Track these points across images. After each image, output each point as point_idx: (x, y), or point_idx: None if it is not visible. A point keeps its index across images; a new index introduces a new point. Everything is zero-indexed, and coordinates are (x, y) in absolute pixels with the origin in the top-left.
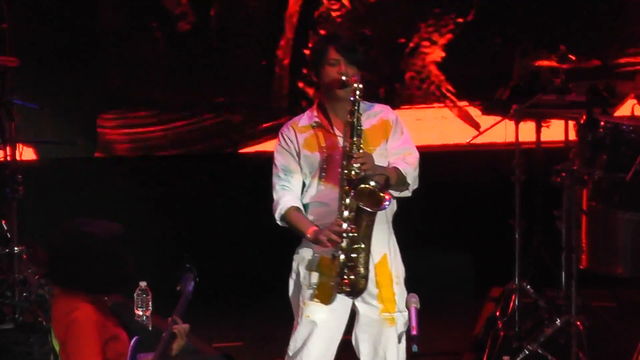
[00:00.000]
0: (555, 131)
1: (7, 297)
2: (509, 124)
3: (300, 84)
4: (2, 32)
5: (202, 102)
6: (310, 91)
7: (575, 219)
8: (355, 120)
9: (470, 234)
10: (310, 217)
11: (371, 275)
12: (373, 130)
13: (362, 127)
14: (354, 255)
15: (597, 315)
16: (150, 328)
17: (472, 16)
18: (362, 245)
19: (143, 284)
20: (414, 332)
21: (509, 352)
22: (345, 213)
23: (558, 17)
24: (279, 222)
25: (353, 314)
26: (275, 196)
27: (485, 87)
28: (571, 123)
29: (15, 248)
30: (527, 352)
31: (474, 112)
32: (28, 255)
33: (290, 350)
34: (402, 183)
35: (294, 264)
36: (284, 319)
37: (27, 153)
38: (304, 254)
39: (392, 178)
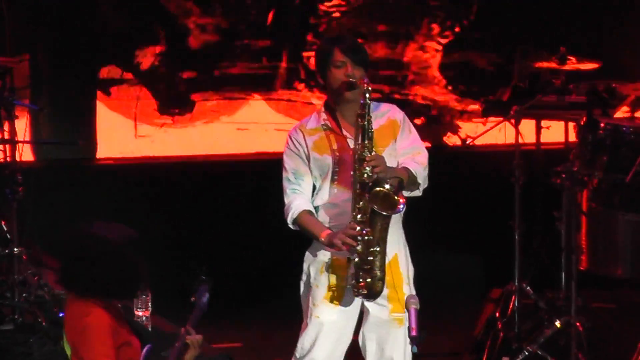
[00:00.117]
0: (555, 132)
1: (7, 298)
2: (509, 125)
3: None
4: (2, 33)
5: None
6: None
7: (575, 220)
8: (366, 123)
9: (470, 235)
10: (322, 220)
11: None
12: (381, 130)
13: (373, 130)
14: (370, 258)
15: (597, 316)
16: (149, 329)
17: (473, 17)
18: (378, 248)
19: None
20: (413, 333)
21: (509, 353)
22: (359, 216)
23: (558, 18)
24: (291, 226)
25: (361, 314)
26: (286, 200)
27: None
28: (571, 124)
29: (15, 249)
30: (526, 353)
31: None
32: (28, 256)
33: (298, 351)
34: (412, 183)
35: (305, 265)
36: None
37: (25, 154)
38: (315, 255)
39: (404, 179)
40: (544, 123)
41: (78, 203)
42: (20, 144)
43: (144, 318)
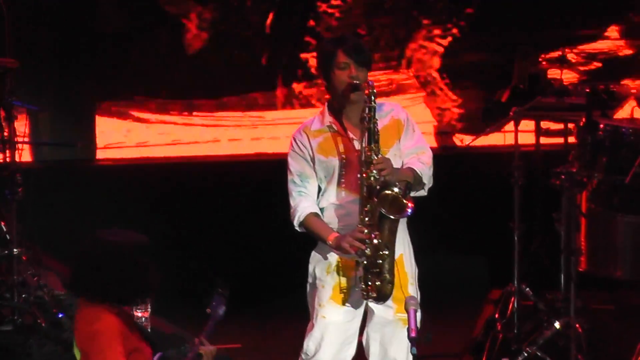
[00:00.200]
0: (555, 134)
1: (6, 298)
2: (508, 127)
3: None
4: (2, 33)
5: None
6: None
7: (575, 221)
8: (372, 126)
9: (470, 236)
10: (327, 221)
11: None
12: (385, 130)
13: (379, 133)
14: (379, 261)
15: (596, 317)
16: (149, 329)
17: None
18: (386, 252)
19: None
20: (412, 334)
21: (508, 354)
22: (367, 219)
23: (558, 19)
24: (297, 228)
25: (364, 314)
26: (292, 203)
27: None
28: (571, 125)
29: (15, 250)
30: (526, 355)
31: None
32: (27, 257)
33: (305, 352)
34: (418, 183)
35: (310, 267)
36: (284, 321)
37: (24, 155)
38: (321, 256)
39: (410, 180)
40: (543, 124)
41: (77, 204)
42: (19, 145)
43: (143, 319)
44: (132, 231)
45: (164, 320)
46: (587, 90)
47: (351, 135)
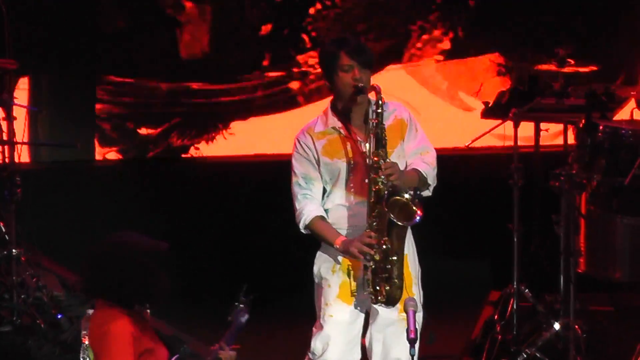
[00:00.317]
0: (554, 135)
1: (5, 299)
2: (508, 128)
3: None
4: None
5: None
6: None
7: (574, 223)
8: (379, 131)
9: (469, 238)
10: (334, 222)
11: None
12: (389, 130)
13: (387, 138)
14: (388, 266)
15: (595, 319)
16: None
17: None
18: (395, 258)
19: None
20: (412, 336)
21: (507, 356)
22: (374, 224)
23: (557, 20)
24: (302, 231)
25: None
26: (297, 206)
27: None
28: (570, 127)
29: (14, 250)
30: (525, 356)
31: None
32: (26, 257)
33: (312, 352)
34: (423, 184)
35: (315, 267)
36: (283, 322)
37: (23, 155)
38: (325, 256)
39: (415, 181)
40: (542, 126)
41: (77, 205)
42: (18, 146)
43: None
44: (149, 237)
45: (164, 321)
46: (587, 91)
47: (356, 136)
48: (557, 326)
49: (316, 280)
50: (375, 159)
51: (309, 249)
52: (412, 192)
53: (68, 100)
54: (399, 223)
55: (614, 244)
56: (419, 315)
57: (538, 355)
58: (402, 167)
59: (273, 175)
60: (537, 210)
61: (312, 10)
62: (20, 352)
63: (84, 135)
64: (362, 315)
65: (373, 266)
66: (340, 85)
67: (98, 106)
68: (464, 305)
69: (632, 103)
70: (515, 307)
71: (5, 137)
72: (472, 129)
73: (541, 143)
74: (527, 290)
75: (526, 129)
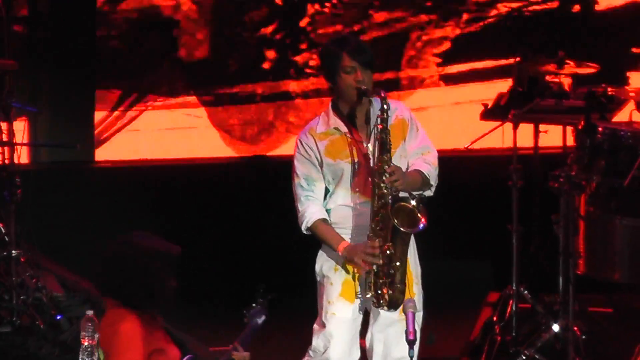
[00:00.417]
0: (553, 136)
1: (5, 300)
2: (507, 129)
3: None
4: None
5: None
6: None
7: (573, 224)
8: (384, 135)
9: (468, 239)
10: (338, 221)
11: None
12: (391, 130)
13: (391, 143)
14: (391, 271)
15: (594, 320)
16: None
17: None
18: (398, 263)
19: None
20: (410, 337)
21: (506, 357)
22: (378, 228)
23: (556, 21)
24: (304, 232)
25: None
26: (300, 207)
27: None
28: (569, 128)
29: (13, 251)
30: (524, 357)
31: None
32: (26, 258)
33: (313, 350)
34: (425, 185)
35: (317, 265)
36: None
37: (23, 156)
38: (327, 254)
39: (418, 183)
40: (542, 127)
41: (76, 206)
42: (18, 147)
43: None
44: (162, 240)
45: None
46: (586, 93)
47: (358, 137)
48: (556, 327)
49: (318, 279)
50: (379, 164)
51: (306, 250)
52: (417, 199)
53: (68, 101)
54: (402, 229)
55: (613, 245)
56: (419, 315)
57: (537, 356)
58: (403, 167)
59: (273, 176)
60: (537, 212)
61: (311, 10)
62: (19, 352)
63: (83, 136)
64: (361, 314)
65: (376, 270)
66: (343, 86)
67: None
68: (463, 306)
69: (631, 104)
70: (514, 308)
71: (5, 138)
72: (471, 130)
73: (540, 144)
74: (526, 291)
75: (525, 130)
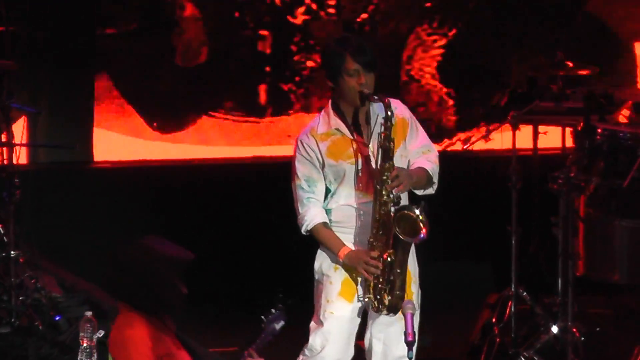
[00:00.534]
0: (553, 138)
1: (4, 300)
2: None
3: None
4: (1, 35)
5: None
6: None
7: (572, 225)
8: (388, 143)
9: (467, 240)
10: (336, 220)
11: None
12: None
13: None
14: (391, 277)
15: (594, 322)
16: None
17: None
18: (399, 271)
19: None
20: (409, 338)
21: (505, 358)
22: (380, 232)
23: (556, 23)
24: (303, 233)
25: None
26: (301, 209)
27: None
28: (568, 130)
29: (12, 252)
30: (522, 359)
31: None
32: (25, 259)
33: (309, 349)
34: (428, 182)
35: (316, 264)
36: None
37: (22, 157)
38: (327, 253)
39: (423, 181)
40: (541, 128)
41: (75, 206)
42: (17, 147)
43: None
44: (176, 245)
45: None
46: (585, 94)
47: (359, 137)
48: (555, 329)
49: (316, 277)
50: (382, 172)
51: (310, 249)
52: (420, 208)
53: (67, 102)
54: (402, 237)
55: (613, 246)
56: (416, 314)
57: (536, 357)
58: (404, 167)
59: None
60: (536, 213)
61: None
62: (18, 353)
63: (82, 136)
64: (360, 314)
65: (376, 276)
66: (346, 88)
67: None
68: (462, 307)
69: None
70: (513, 309)
71: (4, 139)
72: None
73: (539, 146)
74: (525, 292)
75: (525, 131)
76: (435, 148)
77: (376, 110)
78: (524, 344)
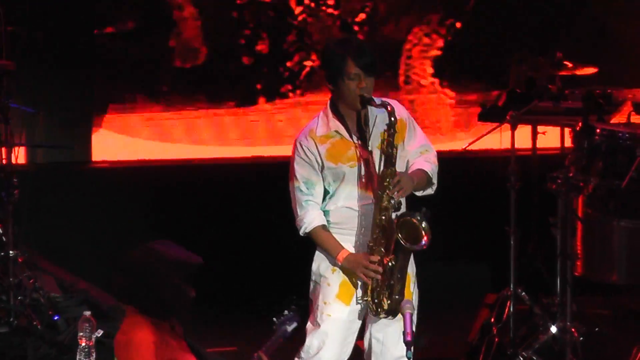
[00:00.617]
0: (551, 138)
1: (2, 300)
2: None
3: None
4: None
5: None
6: None
7: (571, 226)
8: (390, 149)
9: (466, 240)
10: (335, 221)
11: None
12: None
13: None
14: (391, 282)
15: (592, 322)
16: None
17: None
18: (399, 276)
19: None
20: (408, 338)
21: (504, 358)
22: (381, 238)
23: (555, 23)
24: (302, 235)
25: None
26: (299, 211)
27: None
28: (567, 130)
29: (11, 252)
30: (521, 359)
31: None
32: (23, 259)
33: (305, 351)
34: (428, 183)
35: (314, 265)
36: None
37: (20, 157)
38: (325, 254)
39: (424, 183)
40: (540, 128)
41: (73, 206)
42: (16, 147)
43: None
44: (184, 249)
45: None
46: (584, 94)
47: (358, 139)
48: (554, 329)
49: (314, 278)
50: (384, 176)
51: (303, 252)
52: (422, 214)
53: (65, 102)
54: (403, 244)
55: (611, 246)
56: (414, 314)
57: (534, 358)
58: (403, 167)
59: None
60: (535, 213)
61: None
62: (17, 353)
63: (80, 136)
64: (361, 316)
65: (376, 280)
66: (346, 91)
67: (95, 108)
68: (461, 308)
69: (629, 106)
70: (512, 309)
71: (2, 139)
72: (469, 131)
73: (538, 146)
74: (524, 292)
75: (523, 131)
76: (434, 148)
77: (374, 111)
78: (523, 344)
